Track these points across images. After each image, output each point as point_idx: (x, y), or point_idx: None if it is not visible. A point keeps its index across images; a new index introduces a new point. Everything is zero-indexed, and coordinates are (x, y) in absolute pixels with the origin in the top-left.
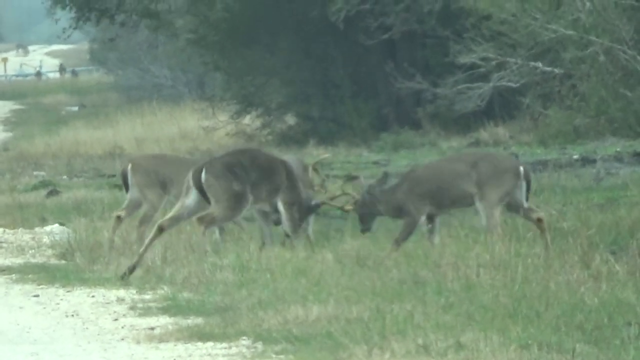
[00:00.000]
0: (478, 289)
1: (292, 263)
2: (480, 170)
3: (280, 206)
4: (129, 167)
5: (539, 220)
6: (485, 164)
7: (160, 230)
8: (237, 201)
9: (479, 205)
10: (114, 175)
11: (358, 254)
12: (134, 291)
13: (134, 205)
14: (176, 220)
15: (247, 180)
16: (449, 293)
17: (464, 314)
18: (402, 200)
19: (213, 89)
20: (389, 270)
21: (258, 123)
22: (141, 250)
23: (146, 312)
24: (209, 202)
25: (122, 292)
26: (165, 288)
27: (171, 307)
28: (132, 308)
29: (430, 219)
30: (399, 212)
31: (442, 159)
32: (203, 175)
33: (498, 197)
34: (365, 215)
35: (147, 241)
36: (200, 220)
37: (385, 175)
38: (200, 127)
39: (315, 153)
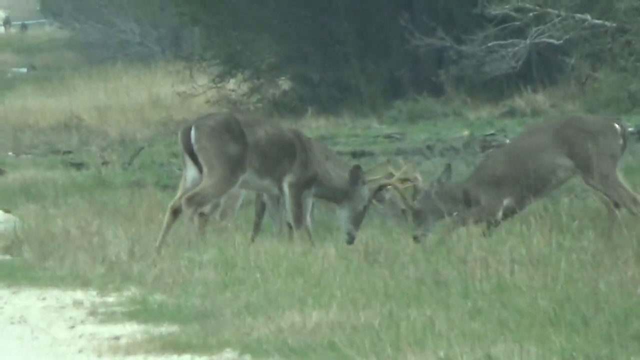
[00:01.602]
0: (512, 290)
1: (287, 259)
2: (571, 139)
3: (285, 187)
4: None
5: (617, 203)
6: (574, 129)
7: (175, 213)
8: (232, 168)
9: (593, 183)
10: (70, 152)
11: (367, 248)
12: (94, 293)
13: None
14: None
15: (246, 142)
16: (477, 295)
17: (495, 321)
18: (474, 192)
19: (191, 46)
20: (405, 268)
21: (245, 88)
22: (157, 244)
23: (109, 318)
24: (200, 170)
25: (79, 294)
26: (133, 289)
27: (140, 312)
28: (92, 313)
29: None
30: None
31: (516, 138)
32: (193, 134)
33: (610, 165)
34: (425, 215)
35: (162, 229)
36: (190, 201)
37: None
38: (175, 93)
39: (315, 125)
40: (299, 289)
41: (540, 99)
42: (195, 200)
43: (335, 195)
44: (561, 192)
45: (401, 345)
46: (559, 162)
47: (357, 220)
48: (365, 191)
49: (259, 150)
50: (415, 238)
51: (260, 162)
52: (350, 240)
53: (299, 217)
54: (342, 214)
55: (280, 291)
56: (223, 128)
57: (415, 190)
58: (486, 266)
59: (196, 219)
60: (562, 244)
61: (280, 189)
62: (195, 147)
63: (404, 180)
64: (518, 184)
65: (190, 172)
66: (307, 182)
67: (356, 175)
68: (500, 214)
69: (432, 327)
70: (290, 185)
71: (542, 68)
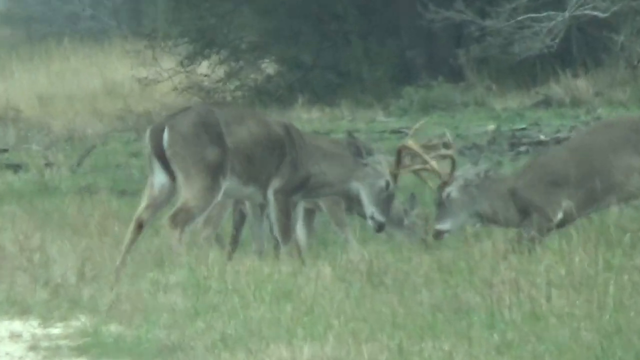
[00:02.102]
0: (549, 319)
1: (273, 281)
2: None
3: (270, 194)
4: None
5: None
6: None
7: (140, 227)
8: (213, 175)
9: None
10: (6, 150)
11: (370, 267)
12: (36, 323)
13: None
14: (154, 208)
15: (226, 144)
16: (505, 326)
17: (528, 357)
18: (525, 191)
19: (154, 21)
20: (417, 292)
21: (220, 72)
22: (117, 263)
23: (54, 353)
24: (172, 178)
25: (17, 325)
26: (83, 318)
27: (92, 347)
28: (32, 348)
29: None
30: (516, 213)
31: (583, 134)
32: (166, 137)
33: None
34: (457, 208)
35: (124, 246)
36: (174, 221)
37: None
38: (135, 79)
39: (306, 117)
40: (286, 318)
41: (582, 85)
42: (179, 218)
43: (338, 192)
44: None
45: None
46: (636, 165)
47: (379, 200)
48: (379, 162)
49: (241, 153)
50: (437, 234)
51: (243, 166)
52: (376, 226)
53: (286, 230)
54: (362, 197)
55: (264, 320)
56: (201, 129)
57: (451, 171)
58: (517, 290)
59: (184, 239)
60: (611, 263)
61: (265, 196)
62: (168, 153)
63: (429, 146)
64: (581, 186)
65: (159, 178)
66: (297, 187)
67: (355, 146)
68: (558, 217)
69: None
70: (277, 192)
71: (584, 47)
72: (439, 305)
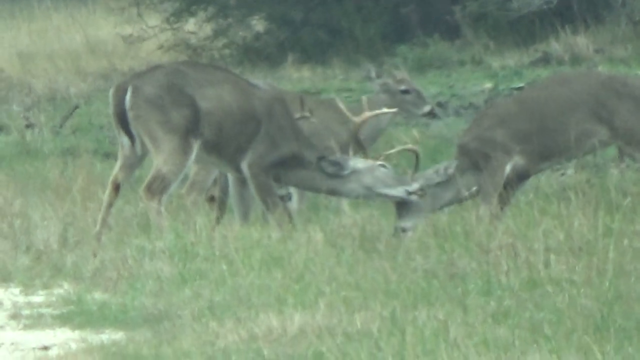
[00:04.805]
0: (547, 286)
1: (262, 247)
2: (611, 105)
3: (244, 168)
4: None
5: None
6: (616, 93)
7: (117, 188)
8: (183, 135)
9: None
10: None
11: (362, 232)
12: (17, 290)
13: None
14: (128, 168)
15: (196, 106)
16: (502, 293)
17: (525, 326)
18: (474, 145)
19: None
20: (411, 258)
21: (208, 30)
22: (97, 229)
23: (36, 322)
24: (131, 139)
25: None
26: (66, 285)
27: (75, 315)
28: (14, 317)
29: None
30: (472, 174)
31: (537, 87)
32: (128, 98)
33: None
34: (417, 209)
35: (103, 209)
36: (149, 190)
37: None
38: (119, 37)
39: (297, 76)
40: (276, 285)
41: (582, 42)
42: (154, 188)
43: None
44: (608, 161)
45: (407, 357)
46: (591, 129)
47: (392, 180)
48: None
49: (212, 118)
50: (400, 231)
51: (210, 133)
52: (418, 193)
53: (269, 200)
54: (380, 194)
55: (253, 287)
56: (165, 91)
57: (414, 168)
58: (514, 256)
59: (163, 209)
60: (611, 227)
61: (238, 169)
62: (129, 115)
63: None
64: (530, 142)
65: (125, 138)
66: (275, 163)
67: (330, 166)
68: (508, 167)
69: (446, 334)
70: (251, 166)
71: (584, 3)
72: (434, 272)
